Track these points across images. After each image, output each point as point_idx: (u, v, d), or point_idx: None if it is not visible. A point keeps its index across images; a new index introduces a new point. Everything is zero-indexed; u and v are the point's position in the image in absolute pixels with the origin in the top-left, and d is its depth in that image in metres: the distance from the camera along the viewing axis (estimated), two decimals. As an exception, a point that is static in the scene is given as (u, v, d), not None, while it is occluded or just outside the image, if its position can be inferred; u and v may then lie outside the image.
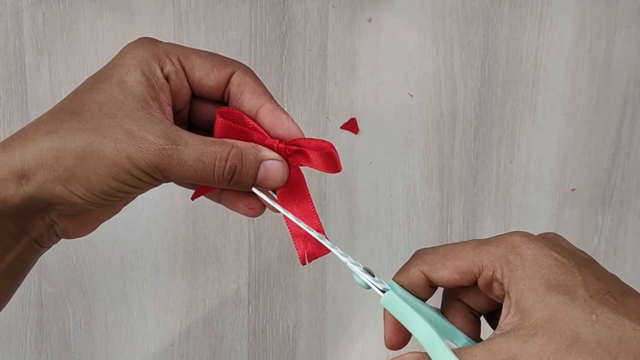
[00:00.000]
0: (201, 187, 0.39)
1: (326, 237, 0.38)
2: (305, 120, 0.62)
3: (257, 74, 0.38)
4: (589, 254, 0.36)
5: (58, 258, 0.63)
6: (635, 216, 0.64)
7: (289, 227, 0.38)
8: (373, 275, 0.36)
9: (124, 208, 0.40)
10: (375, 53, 0.61)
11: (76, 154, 0.33)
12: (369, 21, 0.60)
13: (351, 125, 0.62)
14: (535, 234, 0.35)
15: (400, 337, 0.36)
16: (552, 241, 0.34)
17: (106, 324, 0.66)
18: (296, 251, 0.38)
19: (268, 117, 0.37)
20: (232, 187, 0.36)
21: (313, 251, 0.38)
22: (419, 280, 0.36)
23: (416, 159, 0.63)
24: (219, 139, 0.35)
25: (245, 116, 0.37)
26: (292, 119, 0.37)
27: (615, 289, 0.32)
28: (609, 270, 0.35)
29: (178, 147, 0.33)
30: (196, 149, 0.34)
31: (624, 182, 0.64)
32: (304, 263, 0.38)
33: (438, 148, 0.63)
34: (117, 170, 0.33)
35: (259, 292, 0.65)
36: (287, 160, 0.37)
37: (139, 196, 0.41)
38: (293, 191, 0.38)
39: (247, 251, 0.65)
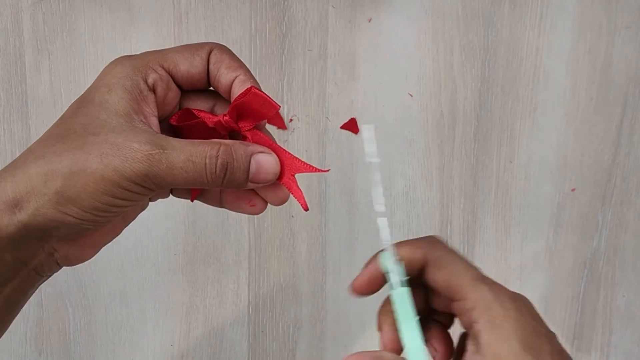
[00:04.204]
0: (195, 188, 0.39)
1: (320, 170, 0.38)
2: (305, 120, 0.62)
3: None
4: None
5: (58, 258, 0.63)
6: (635, 216, 0.64)
7: (288, 183, 0.37)
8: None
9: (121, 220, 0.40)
10: (375, 53, 0.61)
11: (64, 175, 0.33)
12: (369, 21, 0.60)
13: (351, 125, 0.62)
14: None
15: (369, 290, 0.38)
16: (527, 306, 0.36)
17: (106, 324, 0.66)
18: (301, 200, 0.37)
19: (237, 88, 0.37)
20: (226, 186, 0.35)
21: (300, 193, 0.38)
22: (416, 264, 0.37)
23: (416, 159, 0.63)
24: (205, 140, 0.35)
25: (191, 110, 0.37)
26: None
27: None
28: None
29: (165, 150, 0.33)
30: (184, 150, 0.34)
31: (624, 182, 0.64)
32: (307, 209, 0.38)
33: (438, 148, 0.63)
34: (106, 185, 0.33)
35: (259, 292, 0.65)
36: (239, 128, 0.37)
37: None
38: None
39: (247, 251, 0.65)
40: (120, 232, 0.39)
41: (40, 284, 0.38)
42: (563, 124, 0.62)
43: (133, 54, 0.38)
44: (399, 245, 0.37)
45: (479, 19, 0.60)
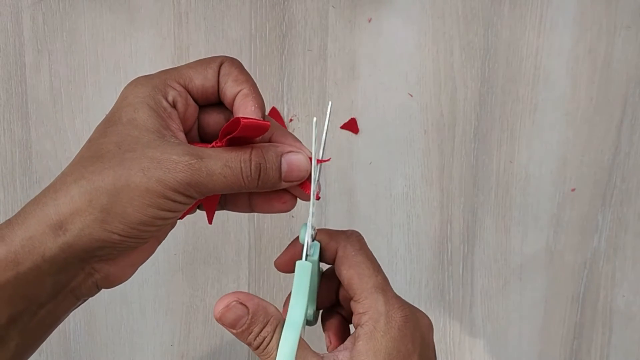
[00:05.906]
0: (209, 206, 0.40)
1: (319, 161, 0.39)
2: (305, 120, 0.62)
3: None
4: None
5: (58, 258, 0.63)
6: (635, 216, 0.64)
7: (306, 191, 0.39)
8: (312, 240, 0.39)
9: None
10: (375, 53, 0.61)
11: (108, 192, 0.33)
12: (369, 21, 0.60)
13: (351, 125, 0.62)
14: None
15: (290, 268, 0.40)
16: (416, 329, 0.38)
17: (106, 324, 0.66)
18: (308, 190, 0.39)
19: (238, 101, 0.37)
20: (261, 187, 0.36)
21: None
22: (332, 254, 0.40)
23: (416, 159, 0.63)
24: (237, 146, 0.36)
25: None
26: (257, 106, 0.37)
27: None
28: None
29: (203, 159, 0.34)
30: (221, 157, 0.35)
31: (624, 182, 0.64)
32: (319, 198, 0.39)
33: (438, 148, 0.63)
34: (151, 197, 0.34)
35: (259, 292, 0.66)
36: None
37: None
38: None
39: (247, 251, 0.65)
40: (155, 250, 0.40)
41: (75, 308, 0.38)
42: (563, 124, 0.62)
43: (147, 72, 0.39)
44: (320, 230, 0.40)
45: (479, 19, 0.60)
